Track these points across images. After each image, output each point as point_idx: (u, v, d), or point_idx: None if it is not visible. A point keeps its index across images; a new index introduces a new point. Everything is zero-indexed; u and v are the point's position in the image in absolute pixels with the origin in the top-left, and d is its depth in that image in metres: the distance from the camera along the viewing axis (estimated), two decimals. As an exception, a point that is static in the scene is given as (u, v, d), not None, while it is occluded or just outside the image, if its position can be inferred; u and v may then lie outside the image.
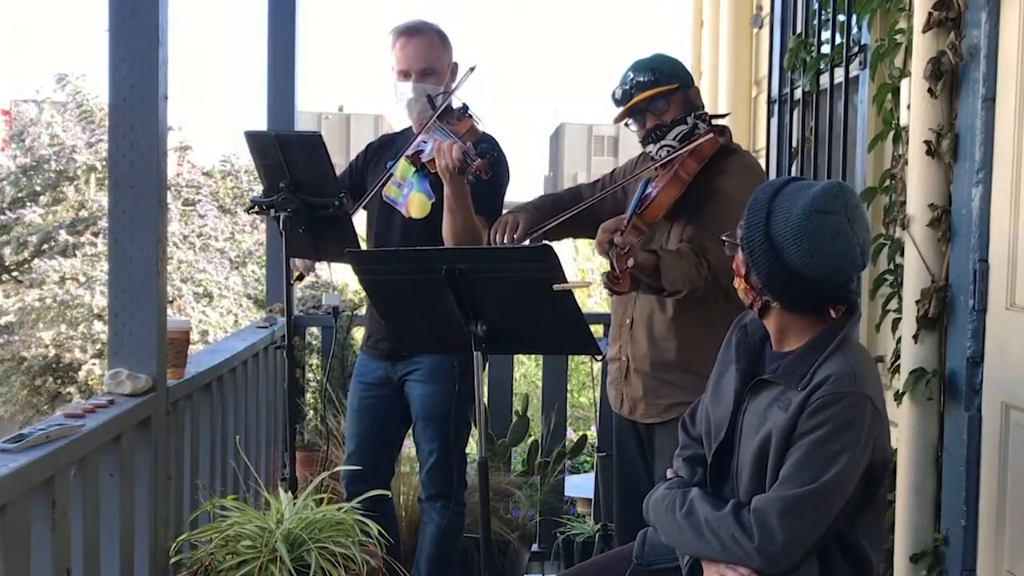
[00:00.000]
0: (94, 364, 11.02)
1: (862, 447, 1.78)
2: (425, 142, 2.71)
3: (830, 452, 1.76)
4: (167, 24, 2.34)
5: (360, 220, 2.87)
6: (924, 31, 2.41)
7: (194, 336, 9.77)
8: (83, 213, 11.92)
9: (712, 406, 2.01)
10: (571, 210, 2.63)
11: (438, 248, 2.65)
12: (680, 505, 1.91)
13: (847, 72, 3.12)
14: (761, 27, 4.17)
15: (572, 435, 4.56)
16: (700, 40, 4.86)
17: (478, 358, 2.23)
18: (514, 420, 3.95)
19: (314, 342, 4.30)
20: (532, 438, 4.03)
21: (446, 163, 2.57)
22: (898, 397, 2.53)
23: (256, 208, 2.70)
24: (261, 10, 3.89)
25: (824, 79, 3.37)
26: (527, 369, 8.15)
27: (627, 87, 2.51)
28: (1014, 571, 2.25)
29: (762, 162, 3.79)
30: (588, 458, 4.59)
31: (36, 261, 11.65)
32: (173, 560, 2.37)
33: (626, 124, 2.58)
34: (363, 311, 3.52)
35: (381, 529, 2.33)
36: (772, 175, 3.72)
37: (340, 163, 3.03)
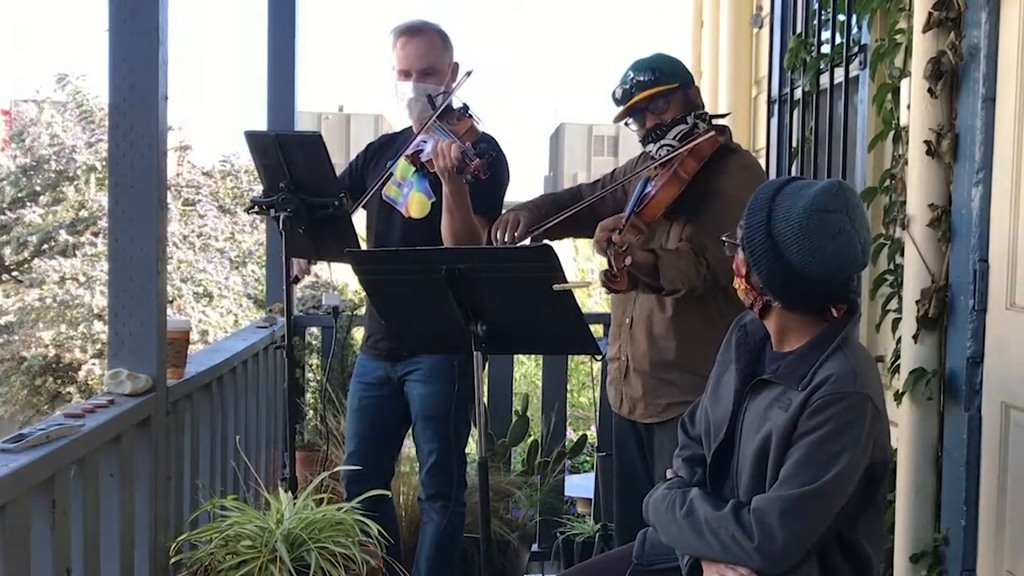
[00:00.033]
0: (94, 364, 11.02)
1: (862, 447, 1.78)
2: (425, 142, 2.71)
3: (830, 452, 1.76)
4: (167, 24, 2.34)
5: (360, 220, 2.87)
6: (924, 31, 2.41)
7: (194, 336, 9.78)
8: (83, 213, 11.93)
9: (711, 406, 2.01)
10: (571, 208, 2.63)
11: (438, 248, 2.65)
12: (680, 505, 1.91)
13: (847, 72, 3.12)
14: (761, 27, 4.17)
15: (572, 435, 4.56)
16: (700, 40, 4.86)
17: (478, 358, 2.23)
18: (514, 420, 3.95)
19: (314, 342, 4.30)
20: (532, 438, 4.03)
21: (444, 163, 2.57)
22: (898, 397, 2.53)
23: (256, 208, 2.70)
24: (261, 10, 3.89)
25: (824, 79, 3.37)
26: (527, 369, 8.15)
27: (627, 86, 2.51)
28: (1014, 571, 2.25)
29: (762, 162, 3.79)
30: (588, 458, 4.59)
31: (36, 261, 11.65)
32: (173, 560, 2.37)
33: (626, 123, 2.58)
34: (363, 311, 3.51)
35: (381, 529, 2.33)
36: (772, 175, 3.72)
37: (340, 163, 3.03)
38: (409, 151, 2.74)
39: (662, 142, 2.50)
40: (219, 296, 11.84)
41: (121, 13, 2.30)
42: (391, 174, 2.87)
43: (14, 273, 12.16)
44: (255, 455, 3.45)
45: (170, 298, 10.73)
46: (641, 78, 2.49)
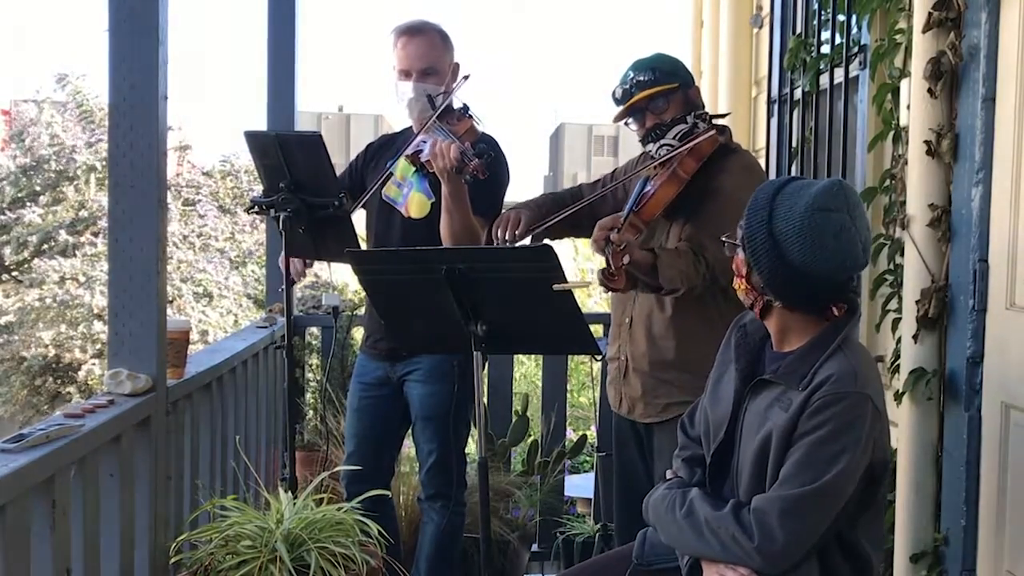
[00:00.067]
0: (94, 364, 11.03)
1: (863, 447, 1.78)
2: (425, 142, 2.71)
3: (831, 452, 1.76)
4: (167, 24, 2.34)
5: (360, 220, 2.87)
6: (924, 31, 2.41)
7: (194, 336, 9.78)
8: (83, 213, 11.94)
9: (711, 406, 2.01)
10: (572, 207, 2.63)
11: (438, 248, 2.65)
12: (680, 505, 1.91)
13: (847, 72, 3.12)
14: (761, 27, 4.17)
15: (572, 435, 4.56)
16: (700, 40, 4.86)
17: (478, 358, 2.22)
18: (514, 420, 3.95)
19: (314, 342, 4.30)
20: (532, 438, 4.03)
21: (443, 163, 2.57)
22: (898, 397, 2.53)
23: (256, 208, 2.70)
24: (261, 10, 3.90)
25: (824, 79, 3.37)
26: (527, 369, 8.14)
27: (627, 86, 2.51)
28: (1014, 571, 2.25)
29: (762, 162, 3.79)
30: (588, 458, 4.59)
31: (36, 261, 11.66)
32: (173, 560, 2.37)
33: (626, 123, 2.58)
34: (363, 311, 3.51)
35: (381, 529, 2.33)
36: (772, 175, 3.72)
37: (340, 163, 3.03)
38: (409, 151, 2.74)
39: (662, 142, 2.50)
40: (219, 296, 11.84)
41: (121, 13, 2.30)
42: (391, 174, 2.86)
43: (14, 273, 12.17)
44: (255, 455, 3.45)
45: (170, 298, 10.73)
46: (641, 78, 2.49)
